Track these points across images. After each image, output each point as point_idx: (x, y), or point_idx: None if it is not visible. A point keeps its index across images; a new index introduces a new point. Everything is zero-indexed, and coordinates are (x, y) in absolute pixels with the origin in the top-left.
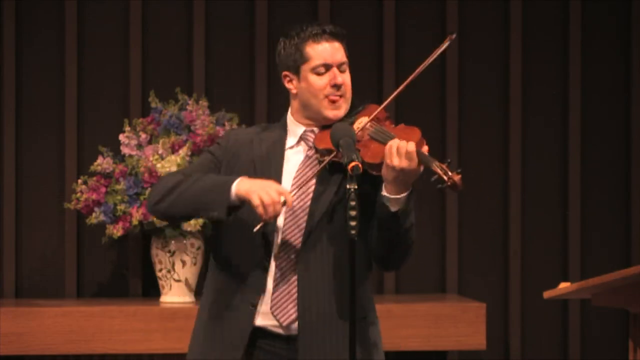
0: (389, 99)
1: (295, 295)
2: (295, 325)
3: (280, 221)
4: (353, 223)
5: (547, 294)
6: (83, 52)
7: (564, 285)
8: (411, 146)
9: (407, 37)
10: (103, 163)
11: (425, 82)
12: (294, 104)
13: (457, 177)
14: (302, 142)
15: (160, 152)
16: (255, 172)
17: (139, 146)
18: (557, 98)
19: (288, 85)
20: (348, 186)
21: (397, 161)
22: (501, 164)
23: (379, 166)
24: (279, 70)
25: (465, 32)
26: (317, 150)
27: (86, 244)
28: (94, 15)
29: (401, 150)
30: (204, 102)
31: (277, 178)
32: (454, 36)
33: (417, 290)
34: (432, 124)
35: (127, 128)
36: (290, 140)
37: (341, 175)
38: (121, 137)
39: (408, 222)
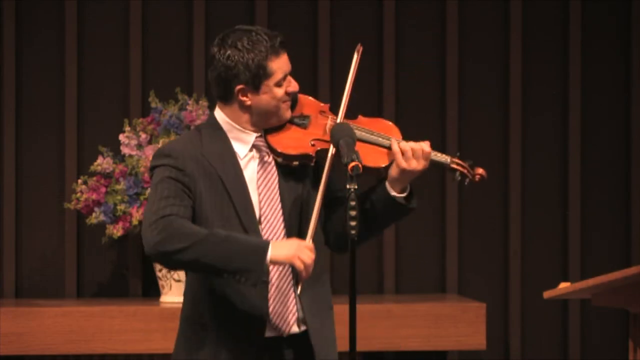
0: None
1: (293, 303)
2: (295, 328)
3: (257, 236)
4: (353, 223)
5: (547, 294)
6: (83, 52)
7: (564, 285)
8: (426, 147)
9: (407, 37)
10: (103, 163)
11: (425, 82)
12: (243, 114)
13: (480, 170)
14: (254, 149)
15: None
16: (226, 189)
17: (139, 146)
18: (557, 98)
19: (241, 98)
20: (348, 186)
21: (414, 164)
22: (501, 164)
23: (380, 170)
24: (224, 81)
25: (465, 32)
26: (282, 155)
27: (86, 244)
28: (94, 15)
29: (418, 153)
30: (204, 102)
31: (245, 188)
32: (361, 48)
33: (417, 290)
34: (432, 124)
35: (127, 128)
36: (241, 149)
37: (301, 172)
38: (121, 137)
39: None
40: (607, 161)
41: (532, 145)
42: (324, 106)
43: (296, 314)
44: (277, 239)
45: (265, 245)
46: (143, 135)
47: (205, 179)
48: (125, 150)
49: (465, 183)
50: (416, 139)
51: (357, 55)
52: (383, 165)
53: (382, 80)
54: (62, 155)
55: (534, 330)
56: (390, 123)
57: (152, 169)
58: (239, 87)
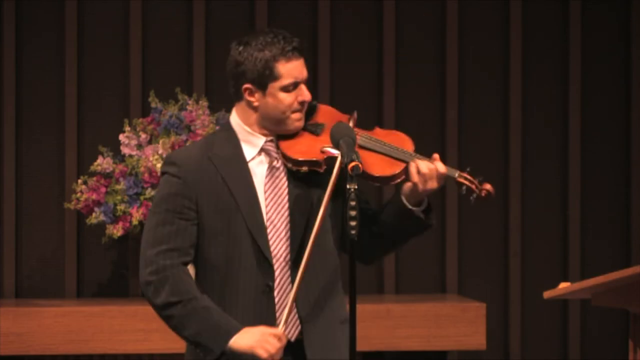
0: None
1: (295, 310)
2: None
3: (264, 242)
4: (353, 223)
5: (547, 294)
6: (83, 52)
7: (564, 285)
8: (441, 167)
9: (407, 37)
10: (103, 163)
11: (425, 82)
12: (251, 115)
13: (488, 186)
14: (263, 153)
15: (160, 152)
16: (231, 193)
17: (139, 146)
18: (557, 98)
19: (248, 98)
20: (348, 186)
21: (430, 184)
22: (501, 164)
23: (388, 179)
24: (233, 79)
25: (465, 32)
26: (289, 160)
27: (86, 244)
28: (94, 15)
29: (433, 174)
30: (204, 102)
31: (253, 192)
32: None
33: (417, 290)
34: (432, 124)
35: (127, 128)
36: (250, 152)
37: (312, 181)
38: (121, 137)
39: None
40: (607, 161)
41: (532, 146)
42: (343, 116)
43: (298, 323)
44: (281, 244)
45: (231, 331)
46: (143, 135)
47: (207, 185)
48: (125, 150)
49: (471, 198)
50: (416, 138)
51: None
52: (391, 174)
53: (382, 81)
54: (62, 155)
55: (534, 330)
56: (405, 135)
57: (161, 175)
58: (245, 85)
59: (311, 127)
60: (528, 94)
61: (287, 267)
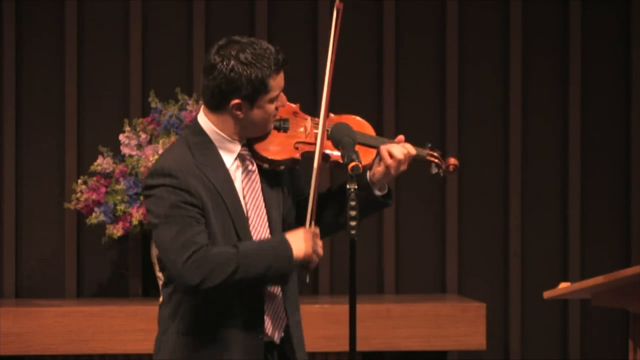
0: (326, 91)
1: (282, 311)
2: (279, 335)
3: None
4: (353, 223)
5: (547, 294)
6: (83, 52)
7: (564, 285)
8: (412, 150)
9: (407, 37)
10: (103, 163)
11: (425, 82)
12: (232, 125)
13: (452, 160)
14: (238, 159)
15: (160, 152)
16: (223, 201)
17: (139, 146)
18: (557, 98)
19: (235, 112)
20: (348, 186)
21: (402, 168)
22: (501, 164)
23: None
24: (222, 92)
25: (465, 32)
26: (268, 161)
27: (86, 244)
28: (94, 15)
29: (406, 157)
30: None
31: (237, 200)
32: (341, 5)
33: (417, 290)
34: (432, 124)
35: (127, 128)
36: (228, 158)
37: (278, 177)
38: (121, 137)
39: None
40: (607, 161)
41: (532, 146)
42: (295, 107)
43: (285, 319)
44: None
45: (286, 245)
46: (143, 135)
47: (207, 194)
48: (125, 150)
49: (440, 173)
50: (416, 138)
51: (336, 13)
52: (369, 162)
53: (382, 80)
54: (62, 155)
55: (534, 330)
56: (361, 119)
57: (150, 188)
58: (235, 101)
59: (278, 123)
60: (528, 94)
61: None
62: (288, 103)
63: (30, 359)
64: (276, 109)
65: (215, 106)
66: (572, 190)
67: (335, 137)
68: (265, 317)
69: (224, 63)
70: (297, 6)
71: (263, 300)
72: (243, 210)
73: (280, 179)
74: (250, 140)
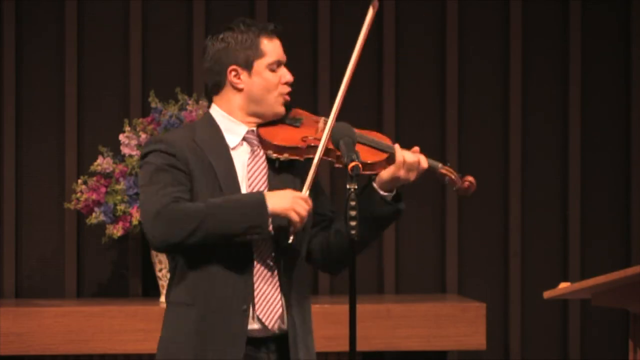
0: (342, 90)
1: (278, 297)
2: (275, 326)
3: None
4: (353, 223)
5: (547, 294)
6: (83, 52)
7: (564, 285)
8: (424, 162)
9: (407, 37)
10: (103, 163)
11: (425, 82)
12: (235, 99)
13: (470, 178)
14: (245, 142)
15: None
16: (216, 177)
17: (139, 146)
18: (557, 98)
19: (234, 80)
20: (348, 186)
21: (411, 175)
22: (501, 164)
23: (371, 166)
24: (216, 63)
25: (465, 32)
26: (269, 146)
27: (86, 244)
28: (94, 15)
29: (414, 166)
30: (204, 102)
31: (234, 178)
32: (377, 3)
33: (417, 290)
34: (431, 125)
35: (127, 128)
36: (232, 140)
37: (291, 171)
38: (121, 137)
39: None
40: (607, 161)
41: (532, 146)
42: (318, 118)
43: (280, 310)
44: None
45: (262, 198)
46: (143, 135)
47: (197, 164)
48: (125, 150)
49: (454, 189)
50: (416, 138)
51: (372, 11)
52: (374, 161)
53: (382, 80)
54: (62, 155)
55: (534, 330)
56: (383, 135)
57: (143, 156)
58: (231, 67)
59: (290, 120)
60: (528, 94)
61: (268, 254)
62: (311, 114)
63: (30, 359)
64: (285, 85)
65: (217, 85)
66: (572, 190)
67: (336, 137)
68: (255, 295)
69: (214, 38)
70: (297, 6)
71: (252, 274)
72: (237, 189)
73: (292, 174)
74: (260, 126)
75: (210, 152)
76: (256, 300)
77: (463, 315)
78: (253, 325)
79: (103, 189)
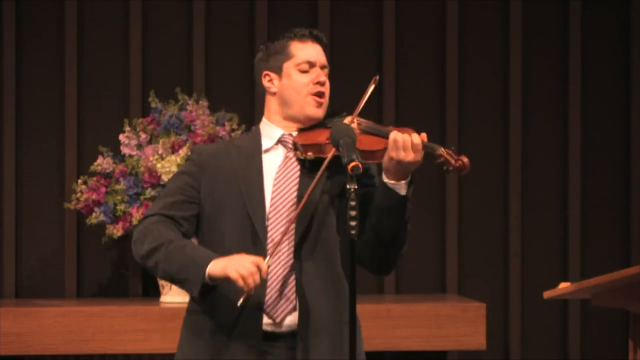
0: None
1: (291, 292)
2: (289, 319)
3: (261, 225)
4: (353, 223)
5: (547, 294)
6: (83, 52)
7: (564, 285)
8: (416, 138)
9: (407, 37)
10: (103, 163)
11: (425, 82)
12: (272, 104)
13: (465, 159)
14: (280, 145)
15: (160, 152)
16: (237, 179)
17: (139, 146)
18: (557, 98)
19: (267, 85)
20: (348, 186)
21: (402, 154)
22: (501, 164)
23: (374, 153)
24: (257, 73)
25: (465, 32)
26: (297, 147)
27: (86, 244)
28: (94, 15)
29: (407, 144)
30: (204, 102)
31: (259, 181)
32: (377, 77)
33: (417, 290)
34: (432, 124)
35: (127, 128)
36: (267, 143)
37: (326, 172)
38: (121, 137)
39: (408, 211)
40: (607, 161)
41: (532, 146)
42: (360, 120)
43: (290, 307)
44: (279, 232)
45: (208, 258)
46: (143, 135)
47: (215, 170)
48: (125, 150)
49: (448, 169)
50: None
51: (373, 86)
52: (376, 148)
53: (382, 81)
54: (62, 155)
55: (534, 330)
56: (407, 128)
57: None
58: (264, 72)
59: (329, 122)
60: (528, 94)
61: (285, 255)
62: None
63: (30, 359)
64: (317, 85)
65: (262, 92)
66: (572, 190)
67: (335, 137)
68: (267, 293)
69: (258, 50)
70: (297, 6)
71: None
72: (262, 194)
73: (328, 181)
74: (300, 131)
75: (235, 158)
76: (267, 297)
77: (463, 315)
78: (267, 321)
79: (103, 189)
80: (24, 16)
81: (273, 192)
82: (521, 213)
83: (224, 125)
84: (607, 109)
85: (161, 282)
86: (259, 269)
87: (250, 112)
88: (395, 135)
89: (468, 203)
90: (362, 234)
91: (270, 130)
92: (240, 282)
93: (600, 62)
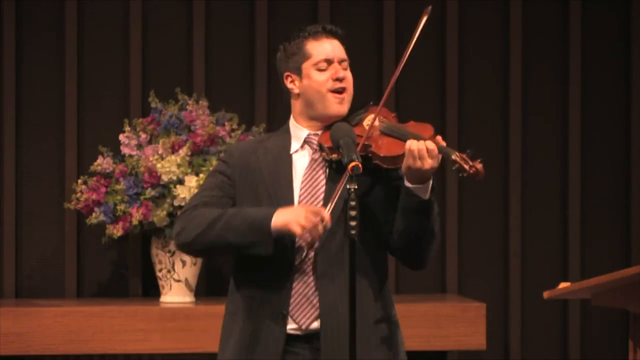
0: (390, 85)
1: (314, 297)
2: (315, 324)
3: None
4: (353, 223)
5: (547, 294)
6: (83, 52)
7: (564, 285)
8: (431, 145)
9: (407, 37)
10: (103, 163)
11: (426, 82)
12: (297, 105)
13: (479, 165)
14: (307, 146)
15: (160, 152)
16: (264, 181)
17: (139, 146)
18: (557, 98)
19: (290, 86)
20: (348, 186)
21: (419, 163)
22: (501, 164)
23: (395, 159)
24: (280, 74)
25: (465, 32)
26: (323, 149)
27: (86, 244)
28: (94, 15)
29: (423, 153)
30: (204, 102)
31: (287, 183)
32: (429, 8)
33: (417, 290)
34: (432, 124)
35: (127, 128)
36: (295, 145)
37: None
38: (121, 137)
39: (435, 210)
40: (607, 161)
41: (532, 146)
42: (389, 114)
43: (315, 312)
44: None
45: (269, 215)
46: (143, 135)
47: (245, 171)
48: (125, 150)
49: (462, 175)
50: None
51: (425, 16)
52: (396, 154)
53: (382, 81)
54: (62, 155)
55: (534, 330)
56: (428, 125)
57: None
58: (285, 73)
59: (352, 119)
60: (528, 94)
61: (310, 253)
62: (387, 110)
63: (30, 359)
64: (336, 81)
65: (287, 94)
66: (572, 190)
67: (335, 137)
68: (291, 296)
69: (278, 50)
70: (297, 6)
71: (292, 278)
72: (290, 193)
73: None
74: (325, 130)
75: (264, 159)
76: (291, 302)
77: (463, 315)
78: (292, 325)
79: (103, 189)
80: (24, 16)
81: (300, 195)
82: (521, 213)
83: (224, 125)
84: (607, 109)
85: (161, 282)
86: (322, 219)
87: (250, 112)
88: (410, 144)
89: (468, 203)
90: (393, 232)
91: (298, 132)
92: (306, 237)
93: (600, 62)
